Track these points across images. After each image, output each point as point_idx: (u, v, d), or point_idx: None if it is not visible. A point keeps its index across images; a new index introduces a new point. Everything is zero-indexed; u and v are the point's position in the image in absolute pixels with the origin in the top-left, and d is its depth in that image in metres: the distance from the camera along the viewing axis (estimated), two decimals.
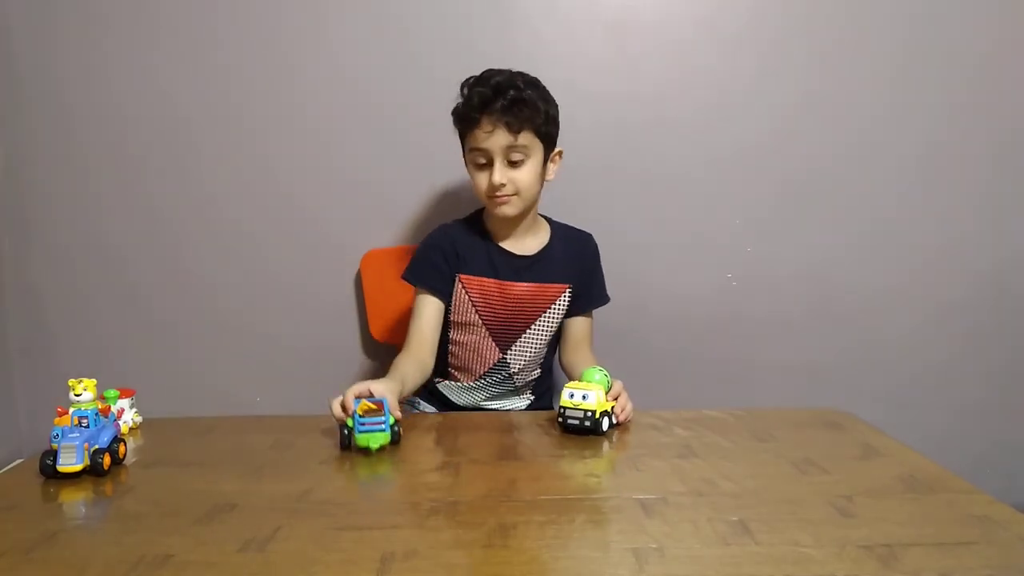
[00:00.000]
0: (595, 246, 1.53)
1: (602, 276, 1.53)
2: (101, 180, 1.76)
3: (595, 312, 1.53)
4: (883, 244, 1.80)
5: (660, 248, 1.79)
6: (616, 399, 1.20)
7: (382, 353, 1.78)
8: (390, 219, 1.78)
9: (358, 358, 1.83)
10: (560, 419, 1.14)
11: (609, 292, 1.53)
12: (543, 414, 1.28)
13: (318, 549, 0.77)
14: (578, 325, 1.50)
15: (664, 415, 1.23)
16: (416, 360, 1.37)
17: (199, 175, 1.76)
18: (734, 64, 1.73)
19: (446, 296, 1.43)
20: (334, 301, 1.80)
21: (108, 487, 0.96)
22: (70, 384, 1.03)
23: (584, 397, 1.13)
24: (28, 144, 1.75)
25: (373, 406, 1.07)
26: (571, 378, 1.44)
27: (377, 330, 1.74)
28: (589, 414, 1.12)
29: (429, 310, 1.42)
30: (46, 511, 0.88)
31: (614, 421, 1.17)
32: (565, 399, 1.14)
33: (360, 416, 1.06)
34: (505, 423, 1.22)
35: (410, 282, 1.44)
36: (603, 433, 1.13)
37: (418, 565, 0.73)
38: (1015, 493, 1.14)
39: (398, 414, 1.13)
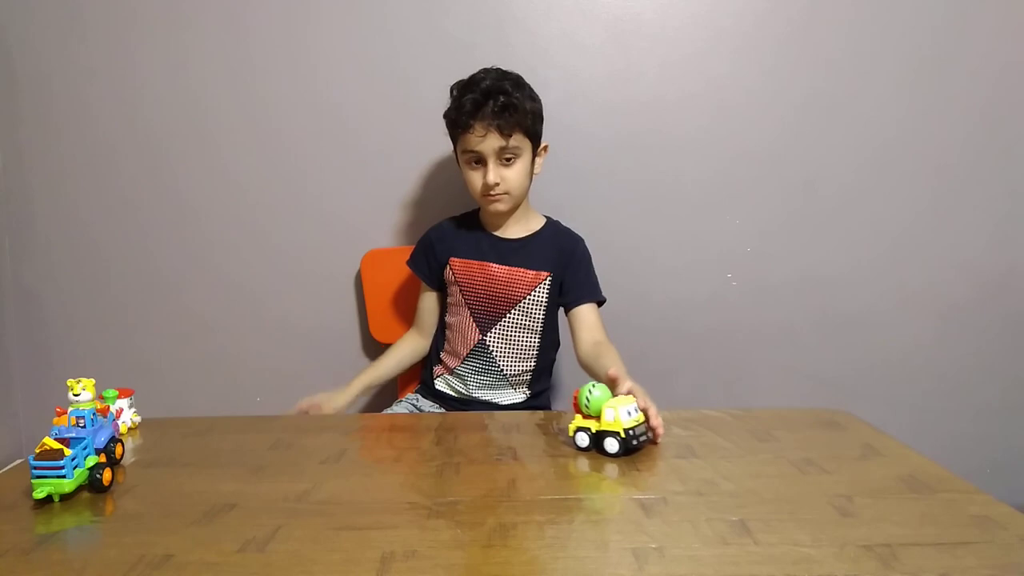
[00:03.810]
0: (585, 248, 1.54)
1: (594, 276, 1.53)
2: (100, 182, 1.76)
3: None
4: (885, 247, 1.80)
5: (660, 249, 1.79)
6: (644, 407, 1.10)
7: (382, 353, 1.78)
8: (390, 219, 1.78)
9: (358, 358, 1.83)
10: (634, 442, 1.02)
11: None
12: (543, 414, 1.28)
13: (318, 549, 0.77)
14: (584, 314, 1.47)
15: (664, 415, 1.21)
16: (415, 337, 1.61)
17: (198, 178, 1.77)
18: (736, 65, 1.73)
19: (434, 284, 1.57)
20: (334, 301, 1.80)
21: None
22: (69, 384, 1.03)
23: (636, 410, 1.04)
24: (27, 145, 1.75)
25: (54, 444, 0.89)
26: (590, 369, 1.39)
27: (377, 330, 1.74)
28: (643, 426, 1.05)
29: (426, 296, 1.60)
30: (45, 511, 0.88)
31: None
32: (625, 419, 1.02)
33: (35, 457, 0.88)
34: (505, 423, 1.22)
35: (409, 266, 1.59)
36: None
37: (418, 565, 0.73)
38: (1015, 493, 1.14)
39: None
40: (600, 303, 1.51)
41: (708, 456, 1.04)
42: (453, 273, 1.51)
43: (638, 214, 1.78)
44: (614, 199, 1.77)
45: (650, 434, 1.07)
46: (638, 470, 1.00)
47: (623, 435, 1.02)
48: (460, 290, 1.50)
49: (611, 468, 1.01)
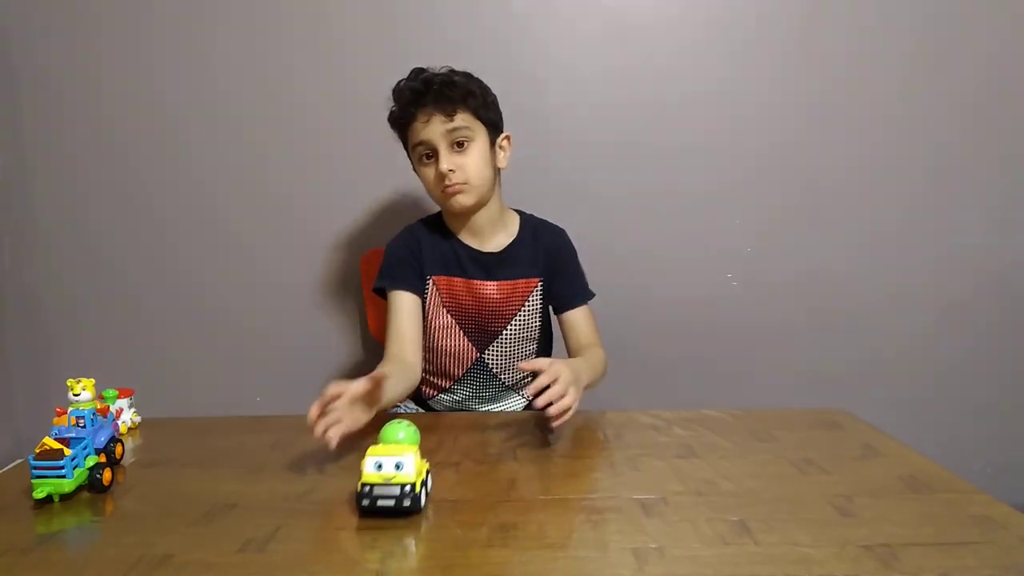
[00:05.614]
0: (568, 240, 1.45)
1: (580, 271, 1.45)
2: (100, 182, 1.76)
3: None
4: (886, 245, 1.80)
5: (661, 249, 1.79)
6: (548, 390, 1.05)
7: (382, 353, 1.77)
8: (389, 219, 1.77)
9: (358, 358, 1.83)
10: (365, 501, 0.81)
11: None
12: (542, 414, 1.28)
13: (318, 549, 0.77)
14: (575, 319, 1.41)
15: (664, 415, 1.22)
16: (398, 363, 1.30)
17: (198, 177, 1.76)
18: (736, 66, 1.73)
19: (420, 292, 1.38)
20: (334, 301, 1.80)
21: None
22: (69, 384, 1.03)
23: (397, 467, 0.82)
24: (27, 146, 1.75)
25: (54, 444, 0.89)
26: None
27: (377, 330, 1.74)
28: (408, 489, 0.81)
29: (406, 307, 1.35)
30: (45, 511, 0.88)
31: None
32: (370, 473, 0.82)
33: (35, 457, 0.88)
34: (505, 423, 1.22)
35: (384, 288, 1.37)
36: (420, 511, 0.83)
37: (419, 565, 0.73)
38: (1015, 493, 1.14)
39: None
40: (590, 298, 1.44)
41: (708, 456, 1.04)
42: (437, 291, 1.38)
43: (638, 213, 1.78)
44: (614, 198, 1.77)
45: (423, 493, 0.85)
46: (638, 470, 1.00)
47: (358, 488, 0.82)
48: (448, 311, 1.39)
49: (611, 468, 1.01)
